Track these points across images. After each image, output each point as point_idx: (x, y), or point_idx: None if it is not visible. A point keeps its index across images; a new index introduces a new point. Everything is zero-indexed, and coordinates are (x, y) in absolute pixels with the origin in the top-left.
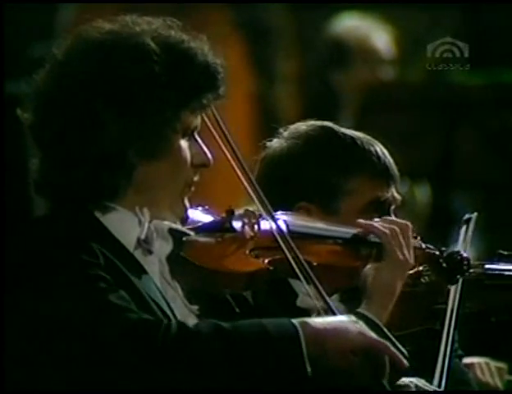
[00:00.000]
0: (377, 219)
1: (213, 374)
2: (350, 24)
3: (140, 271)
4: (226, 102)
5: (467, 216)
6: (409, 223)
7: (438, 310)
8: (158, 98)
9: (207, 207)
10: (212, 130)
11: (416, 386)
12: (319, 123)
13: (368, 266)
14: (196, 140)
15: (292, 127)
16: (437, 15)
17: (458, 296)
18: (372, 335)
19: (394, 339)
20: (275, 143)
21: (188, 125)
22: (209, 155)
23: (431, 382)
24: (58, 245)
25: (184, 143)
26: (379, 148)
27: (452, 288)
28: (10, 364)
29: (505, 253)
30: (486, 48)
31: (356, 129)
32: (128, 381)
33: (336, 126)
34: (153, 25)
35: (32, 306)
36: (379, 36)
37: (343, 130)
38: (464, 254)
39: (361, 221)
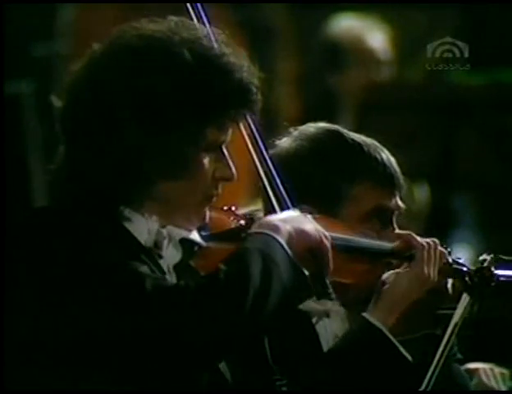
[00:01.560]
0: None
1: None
2: (347, 25)
3: (156, 263)
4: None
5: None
6: (437, 240)
7: (440, 316)
8: (183, 112)
9: (230, 207)
10: (246, 136)
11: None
12: (328, 126)
13: (390, 273)
14: (223, 153)
15: (302, 128)
16: (437, 15)
17: (468, 305)
18: (321, 230)
19: (399, 346)
20: (284, 142)
21: (214, 141)
22: (233, 170)
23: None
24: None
25: (206, 159)
26: (385, 156)
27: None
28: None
29: (505, 258)
30: (486, 48)
31: (355, 129)
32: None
33: (345, 131)
34: (196, 34)
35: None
36: (376, 37)
37: (352, 135)
38: (494, 271)
39: (400, 232)
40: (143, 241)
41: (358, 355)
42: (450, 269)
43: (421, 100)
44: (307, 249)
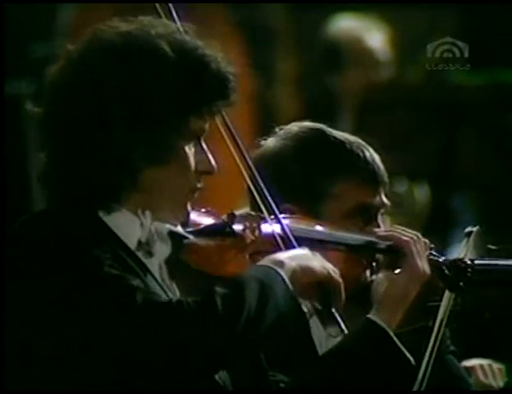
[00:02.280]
0: (391, 228)
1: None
2: (346, 25)
3: (145, 270)
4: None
5: (468, 229)
6: (418, 233)
7: (431, 308)
8: (168, 104)
9: (209, 209)
10: (222, 130)
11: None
12: (311, 125)
13: (384, 273)
14: (202, 147)
15: (286, 127)
16: (437, 15)
17: (451, 297)
18: (330, 266)
19: (403, 348)
20: (269, 142)
21: (195, 130)
22: (213, 162)
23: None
24: (66, 240)
25: (189, 149)
26: (368, 153)
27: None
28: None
29: (494, 247)
30: (485, 48)
31: (354, 129)
32: (150, 360)
33: (327, 129)
34: (169, 28)
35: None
36: (375, 37)
37: (334, 132)
38: (468, 262)
39: (380, 230)
40: (136, 238)
41: (363, 356)
42: (430, 262)
43: (420, 100)
44: (315, 283)
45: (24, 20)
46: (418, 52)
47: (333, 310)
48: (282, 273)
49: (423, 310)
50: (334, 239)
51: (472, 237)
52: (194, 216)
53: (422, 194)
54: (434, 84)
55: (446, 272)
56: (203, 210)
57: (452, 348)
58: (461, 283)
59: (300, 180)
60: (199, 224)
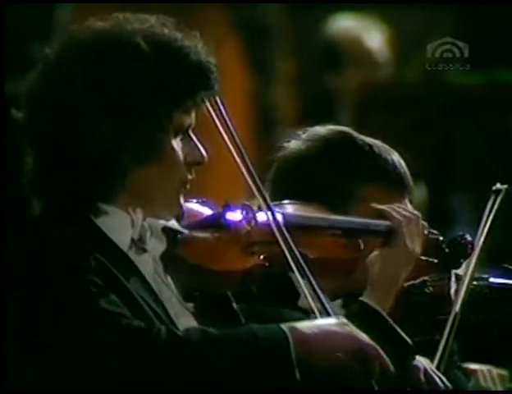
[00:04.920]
0: (390, 205)
1: (203, 379)
2: (345, 25)
3: (133, 272)
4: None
5: (498, 186)
6: (419, 214)
7: (440, 321)
8: (148, 99)
9: (205, 200)
10: (216, 120)
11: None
12: (338, 128)
13: (374, 253)
14: (190, 138)
15: (311, 130)
16: (436, 15)
17: (459, 307)
18: (363, 338)
19: (396, 327)
20: (292, 144)
21: (181, 124)
22: (204, 152)
23: None
24: (49, 247)
25: (176, 143)
26: (396, 158)
27: (455, 299)
28: (8, 364)
29: (511, 267)
30: (484, 48)
31: (353, 129)
32: (117, 385)
33: (354, 133)
34: (146, 23)
35: (23, 310)
36: (374, 37)
37: (362, 137)
38: (468, 238)
39: (375, 205)
40: (128, 236)
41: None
42: (428, 240)
43: (419, 100)
44: (347, 352)
45: (24, 20)
46: (417, 52)
47: (371, 381)
48: (288, 335)
49: (432, 323)
50: (331, 224)
51: (500, 196)
52: (189, 207)
53: (419, 193)
54: (433, 83)
55: (446, 250)
56: (198, 201)
57: (459, 363)
58: (462, 260)
59: (327, 182)
60: (194, 216)
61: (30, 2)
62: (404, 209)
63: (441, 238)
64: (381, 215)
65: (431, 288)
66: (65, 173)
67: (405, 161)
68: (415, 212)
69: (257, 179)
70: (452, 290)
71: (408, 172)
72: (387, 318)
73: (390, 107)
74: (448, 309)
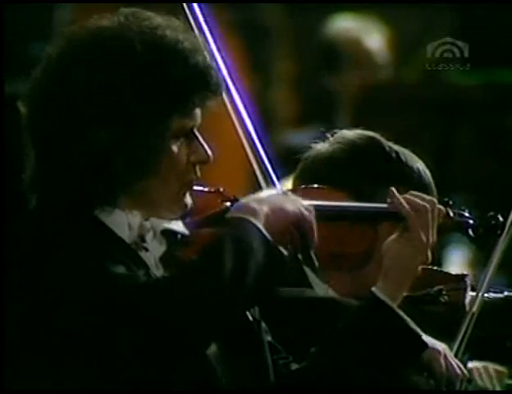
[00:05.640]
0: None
1: (221, 288)
2: (345, 25)
3: (141, 263)
4: (223, 103)
5: None
6: (435, 200)
7: (454, 331)
8: (145, 106)
9: (217, 188)
10: (231, 112)
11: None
12: (367, 133)
13: (388, 243)
14: (195, 137)
15: (339, 133)
16: (435, 15)
17: (473, 319)
18: (299, 202)
19: (408, 319)
20: (320, 145)
21: (181, 127)
22: (209, 151)
23: None
24: (52, 245)
25: (177, 146)
26: (421, 167)
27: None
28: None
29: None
30: (483, 48)
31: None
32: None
33: (383, 139)
34: (148, 25)
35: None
36: (374, 37)
37: (389, 143)
38: (501, 218)
39: (393, 195)
40: (125, 237)
41: (367, 331)
42: (452, 223)
43: (418, 100)
44: (288, 225)
45: (24, 19)
46: (417, 53)
47: (311, 252)
48: (256, 222)
49: (446, 333)
50: (341, 209)
51: None
52: (199, 197)
53: None
54: (432, 84)
55: (471, 233)
56: (212, 189)
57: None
58: (492, 241)
59: (353, 185)
60: (203, 209)
61: (30, 2)
62: (417, 198)
63: (470, 221)
64: (392, 206)
65: (446, 297)
66: (63, 175)
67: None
68: (429, 198)
69: (270, 170)
70: (467, 300)
71: (432, 182)
72: (398, 310)
73: (389, 108)
74: (463, 320)
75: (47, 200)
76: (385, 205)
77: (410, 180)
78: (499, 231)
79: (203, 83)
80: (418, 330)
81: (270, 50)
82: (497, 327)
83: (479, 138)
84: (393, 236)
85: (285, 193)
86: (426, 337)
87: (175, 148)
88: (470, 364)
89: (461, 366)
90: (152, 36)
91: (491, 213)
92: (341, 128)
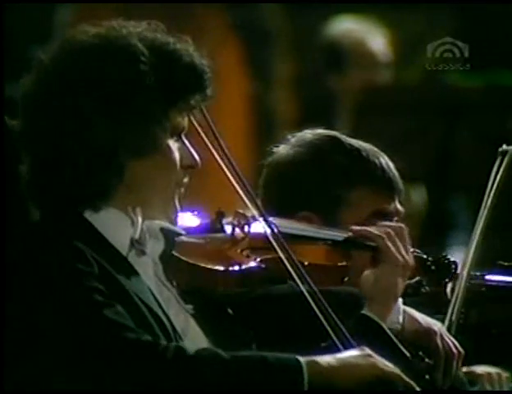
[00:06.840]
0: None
1: None
2: (346, 26)
3: (133, 274)
4: (223, 104)
5: (504, 147)
6: (403, 225)
7: (438, 320)
8: (146, 98)
9: (196, 212)
10: (201, 131)
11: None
12: (325, 132)
13: (368, 270)
14: (184, 142)
15: (299, 135)
16: (436, 16)
17: (456, 307)
18: (386, 366)
19: (396, 341)
20: (282, 149)
21: (176, 125)
22: (197, 157)
23: None
24: (51, 252)
25: (172, 143)
26: (384, 161)
27: (452, 299)
28: (7, 366)
29: (506, 264)
30: (483, 49)
31: (353, 131)
32: None
33: (342, 136)
34: (139, 27)
35: (25, 320)
36: (375, 39)
37: (349, 140)
38: (452, 258)
39: (355, 227)
40: (128, 237)
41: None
42: (415, 258)
43: (418, 102)
44: (370, 383)
45: (24, 21)
46: (418, 54)
47: None
48: (303, 364)
49: None
50: (319, 235)
51: (507, 156)
52: (181, 218)
53: (419, 196)
54: (433, 86)
55: (433, 267)
56: (189, 213)
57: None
58: (446, 279)
59: (316, 187)
60: (188, 227)
61: (30, 3)
62: (385, 225)
63: (424, 256)
64: (362, 236)
65: (427, 288)
66: (63, 172)
67: (395, 162)
68: (397, 224)
69: (248, 187)
70: (448, 289)
71: (397, 175)
72: (387, 330)
73: (390, 110)
74: (445, 309)
75: (43, 205)
76: (351, 234)
77: (373, 176)
78: (452, 270)
79: (197, 80)
80: (407, 353)
81: (271, 51)
82: (481, 314)
83: (480, 140)
84: (370, 262)
85: (368, 354)
86: (422, 316)
87: (171, 143)
88: (481, 369)
89: (457, 344)
90: (146, 37)
91: (444, 254)
92: (343, 129)
